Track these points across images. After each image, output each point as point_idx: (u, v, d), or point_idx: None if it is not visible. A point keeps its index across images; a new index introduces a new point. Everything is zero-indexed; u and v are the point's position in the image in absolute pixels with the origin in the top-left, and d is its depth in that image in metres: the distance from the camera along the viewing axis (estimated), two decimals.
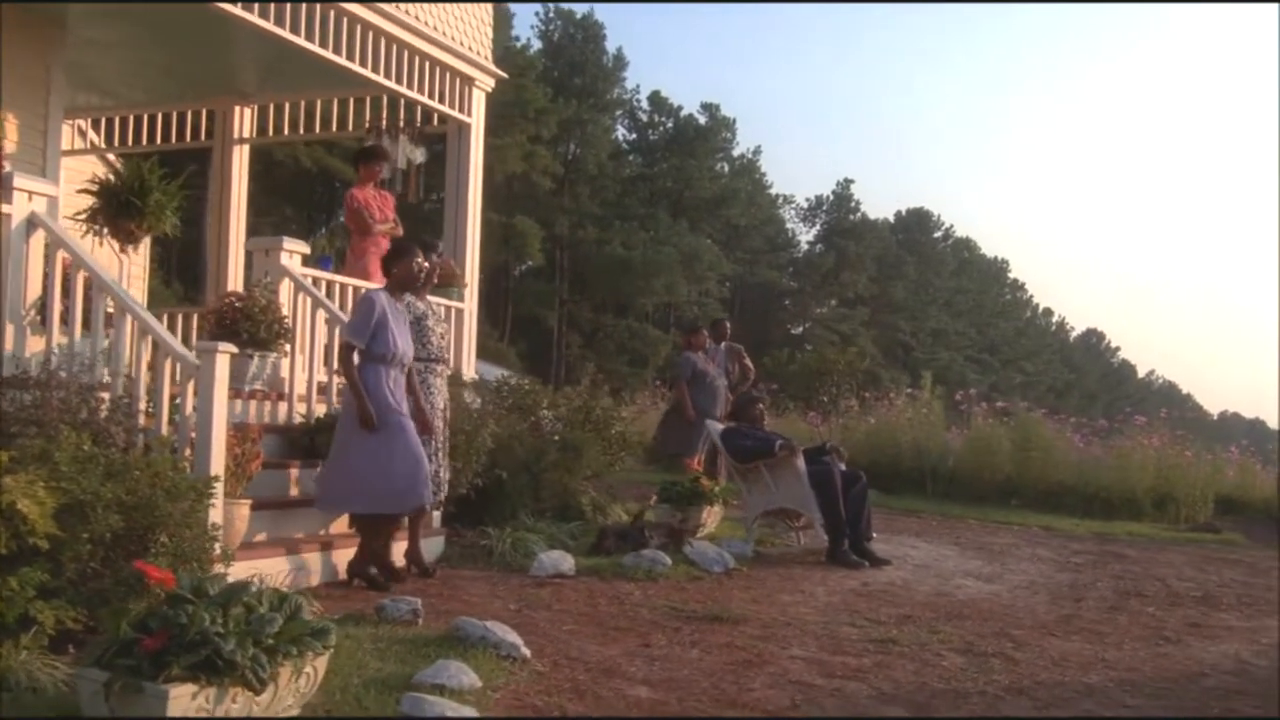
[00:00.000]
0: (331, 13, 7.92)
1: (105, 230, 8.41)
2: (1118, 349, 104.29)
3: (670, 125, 57.00)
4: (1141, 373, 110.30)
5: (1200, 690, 5.16)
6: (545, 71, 49.88)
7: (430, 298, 8.91)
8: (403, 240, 7.92)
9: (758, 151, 61.99)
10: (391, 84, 8.65)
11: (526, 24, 69.45)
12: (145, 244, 16.30)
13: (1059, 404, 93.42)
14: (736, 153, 60.68)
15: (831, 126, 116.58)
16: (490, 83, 9.72)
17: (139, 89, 10.23)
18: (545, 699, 4.33)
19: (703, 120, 57.34)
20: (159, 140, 10.65)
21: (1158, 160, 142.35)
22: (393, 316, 6.18)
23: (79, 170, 10.05)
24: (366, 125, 9.69)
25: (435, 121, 9.73)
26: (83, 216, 8.64)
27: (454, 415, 7.44)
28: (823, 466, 8.10)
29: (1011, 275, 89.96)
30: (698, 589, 6.73)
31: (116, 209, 8.35)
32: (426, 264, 6.65)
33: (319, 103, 10.12)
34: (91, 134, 11.92)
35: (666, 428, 12.13)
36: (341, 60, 8.09)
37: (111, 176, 9.08)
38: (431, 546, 7.08)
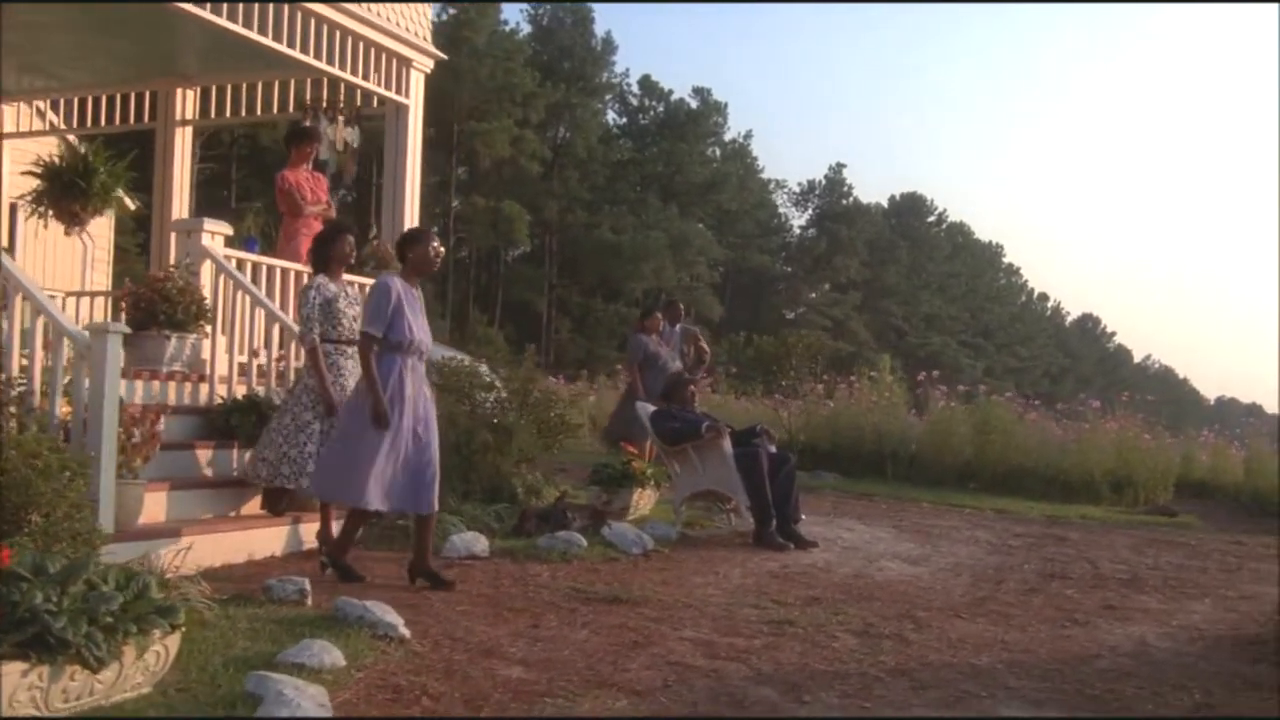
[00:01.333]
0: None
1: (50, 212, 8.43)
2: (1114, 334, 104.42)
3: (661, 109, 56.89)
4: (1138, 357, 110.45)
5: (1091, 671, 5.13)
6: (534, 56, 49.74)
7: (355, 279, 8.93)
8: (419, 226, 7.75)
9: (749, 136, 61.97)
10: (325, 66, 8.60)
11: (516, 8, 69.31)
12: (109, 227, 16.38)
13: (1054, 389, 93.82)
14: (728, 137, 60.60)
15: (825, 111, 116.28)
16: (429, 64, 9.67)
17: (82, 71, 10.17)
18: (410, 678, 4.31)
19: (694, 105, 57.24)
20: (103, 123, 10.59)
21: (1154, 145, 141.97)
22: (408, 303, 5.94)
23: (31, 152, 10.00)
24: (306, 107, 9.61)
25: (375, 103, 9.67)
26: (28, 198, 8.65)
27: None
28: (749, 449, 8.08)
29: (1006, 260, 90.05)
30: (609, 571, 6.72)
31: (60, 191, 8.35)
32: (443, 249, 6.32)
33: (260, 85, 10.06)
34: (51, 115, 11.89)
35: (619, 410, 12.12)
36: (271, 43, 8.04)
37: (57, 159, 9.08)
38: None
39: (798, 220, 70.13)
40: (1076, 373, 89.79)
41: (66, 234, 8.90)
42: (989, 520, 11.03)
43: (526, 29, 51.68)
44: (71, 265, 14.74)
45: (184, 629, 3.96)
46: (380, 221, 9.60)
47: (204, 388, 7.33)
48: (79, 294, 10.35)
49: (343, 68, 8.73)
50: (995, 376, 77.12)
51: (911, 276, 71.09)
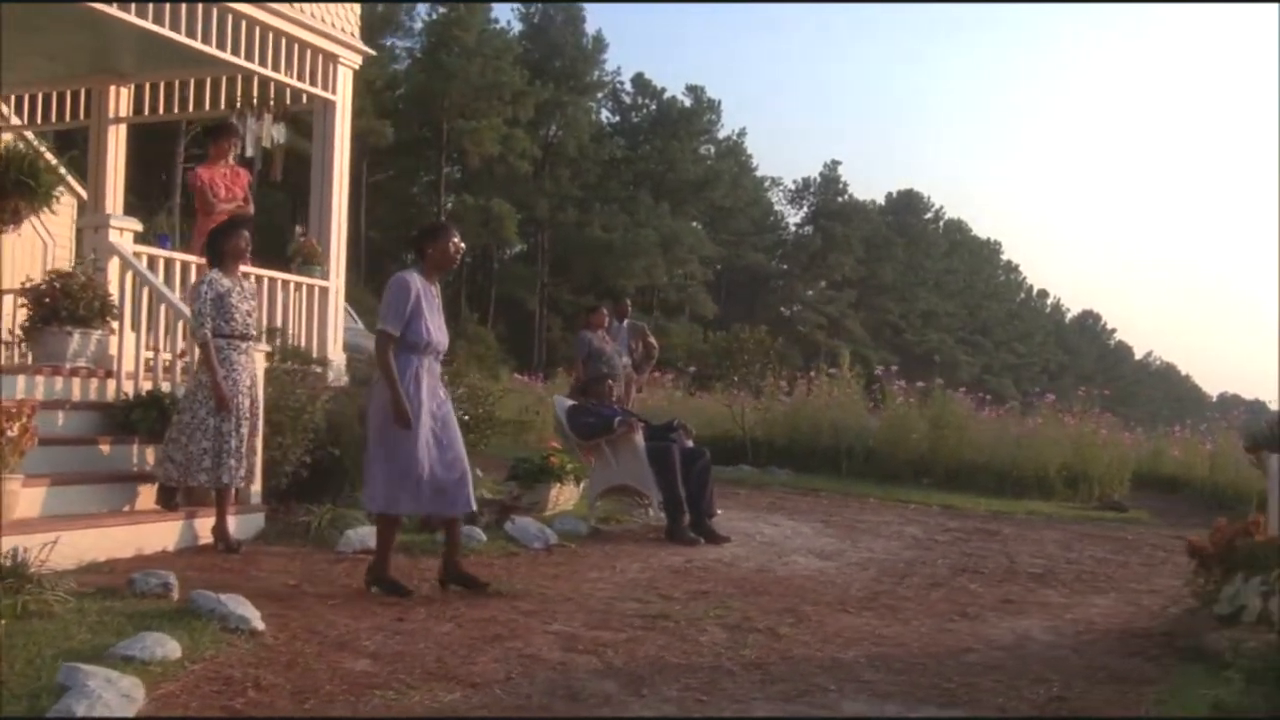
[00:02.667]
0: None
1: None
2: (1114, 330, 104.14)
3: (654, 107, 56.85)
4: (1139, 354, 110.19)
5: (956, 665, 5.09)
6: (525, 54, 49.72)
7: (282, 275, 8.93)
8: (438, 220, 7.49)
9: (743, 134, 61.87)
10: (245, 63, 8.60)
11: (508, 6, 69.40)
12: (70, 225, 16.38)
13: (1053, 385, 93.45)
14: (722, 135, 60.55)
15: (822, 109, 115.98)
16: (357, 60, 9.66)
17: (12, 69, 10.17)
18: (247, 670, 4.31)
19: (687, 103, 57.18)
20: (39, 120, 10.60)
21: (1156, 142, 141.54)
22: (426, 301, 5.72)
23: None
24: (236, 104, 9.61)
25: (305, 100, 9.66)
26: None
27: (281, 394, 7.44)
28: (662, 444, 8.07)
29: (1005, 257, 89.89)
30: (502, 565, 6.71)
31: (10, 187, 8.36)
32: (463, 245, 6.06)
33: (192, 82, 10.06)
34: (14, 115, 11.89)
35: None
36: (186, 39, 8.03)
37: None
38: (250, 523, 7.07)
39: (793, 218, 70.16)
40: (1076, 370, 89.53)
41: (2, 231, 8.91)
42: (930, 515, 11.00)
43: (518, 27, 51.82)
44: (31, 263, 14.75)
45: (3, 620, 3.95)
46: (308, 218, 9.58)
47: (111, 384, 7.33)
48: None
49: (263, 64, 8.72)
50: (994, 373, 77.10)
51: (908, 274, 70.98)
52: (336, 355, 9.41)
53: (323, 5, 9.16)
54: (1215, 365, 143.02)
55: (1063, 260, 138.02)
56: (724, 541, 7.94)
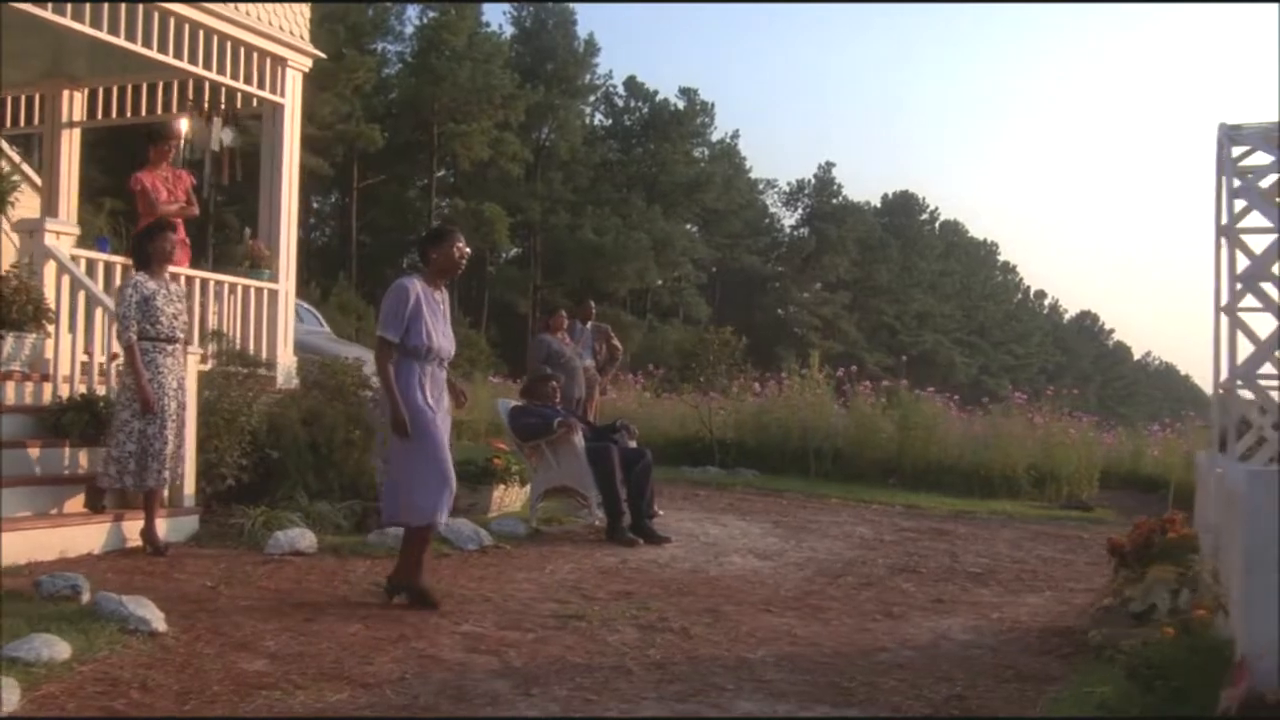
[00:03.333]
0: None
1: None
2: (1112, 331, 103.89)
3: (646, 110, 56.84)
4: (1138, 354, 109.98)
5: (864, 665, 5.08)
6: (516, 58, 49.75)
7: (228, 278, 8.94)
8: (443, 224, 7.23)
9: (736, 136, 61.84)
10: (189, 67, 8.58)
11: (499, 9, 69.51)
12: None
13: (1051, 386, 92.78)
14: (715, 137, 60.55)
15: (818, 111, 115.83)
16: (306, 63, 9.65)
17: None
18: (138, 671, 4.31)
19: (680, 105, 57.17)
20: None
21: (1154, 142, 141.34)
22: (428, 307, 5.57)
23: None
24: (187, 108, 9.61)
25: (255, 103, 9.66)
26: None
27: (219, 396, 7.44)
28: (601, 445, 8.07)
29: (1002, 258, 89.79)
30: (431, 566, 6.68)
31: None
32: (469, 249, 5.92)
33: (145, 86, 10.06)
34: None
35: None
36: (124, 42, 8.01)
37: None
38: (183, 526, 7.08)
39: (788, 220, 70.17)
40: (1074, 370, 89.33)
41: None
42: (888, 515, 10.98)
43: (510, 31, 51.84)
44: None
45: None
46: (257, 221, 9.58)
47: (47, 387, 7.32)
48: None
49: (208, 67, 8.72)
50: (992, 374, 76.99)
51: (903, 275, 70.88)
52: (286, 358, 9.40)
53: (269, 8, 9.16)
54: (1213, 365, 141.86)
55: (1060, 261, 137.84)
56: (664, 542, 7.93)
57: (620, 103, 57.33)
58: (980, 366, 77.26)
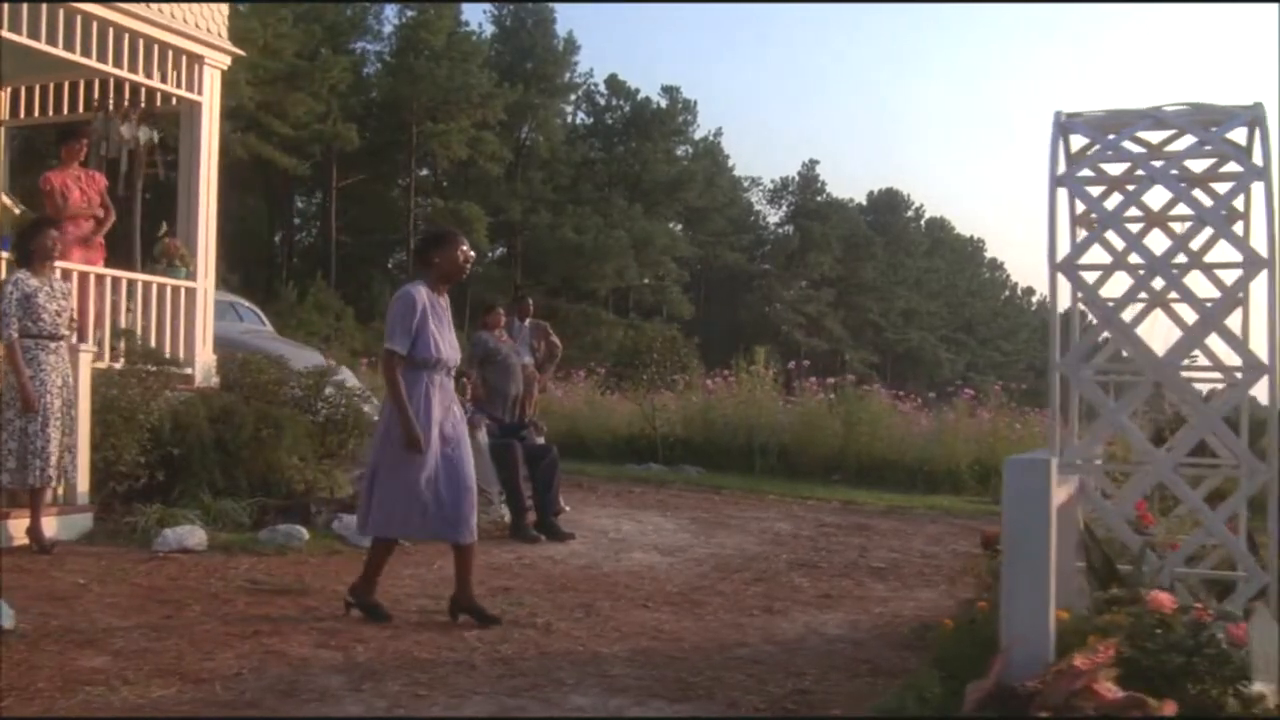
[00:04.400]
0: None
1: None
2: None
3: (628, 109, 56.82)
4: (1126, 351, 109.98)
5: (720, 660, 5.09)
6: (496, 57, 49.72)
7: (143, 277, 8.92)
8: (444, 226, 6.68)
9: (719, 134, 61.84)
10: (98, 65, 8.56)
11: (480, 9, 69.59)
12: None
13: (1039, 383, 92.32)
14: (698, 135, 60.55)
15: (802, 109, 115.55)
16: (225, 60, 9.63)
17: None
18: None
19: (662, 103, 57.17)
20: None
21: None
22: (434, 315, 5.37)
23: None
24: (104, 107, 9.58)
25: (175, 101, 9.63)
26: None
27: (118, 395, 7.43)
28: (504, 441, 8.06)
29: (989, 255, 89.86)
30: (316, 563, 6.70)
31: None
32: (473, 253, 5.67)
33: (66, 85, 10.03)
34: None
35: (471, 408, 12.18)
36: (28, 41, 8.00)
37: None
38: (76, 524, 7.07)
39: (773, 217, 70.20)
40: None
41: None
42: (819, 511, 10.98)
43: (491, 30, 51.81)
44: None
45: None
46: (175, 219, 9.55)
47: None
48: None
49: (118, 65, 8.69)
50: (979, 371, 76.91)
51: (888, 272, 70.84)
52: (205, 356, 9.39)
53: (184, 6, 9.14)
54: (1201, 360, 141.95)
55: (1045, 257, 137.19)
56: (567, 538, 7.93)
57: (602, 101, 57.35)
58: (967, 364, 77.23)
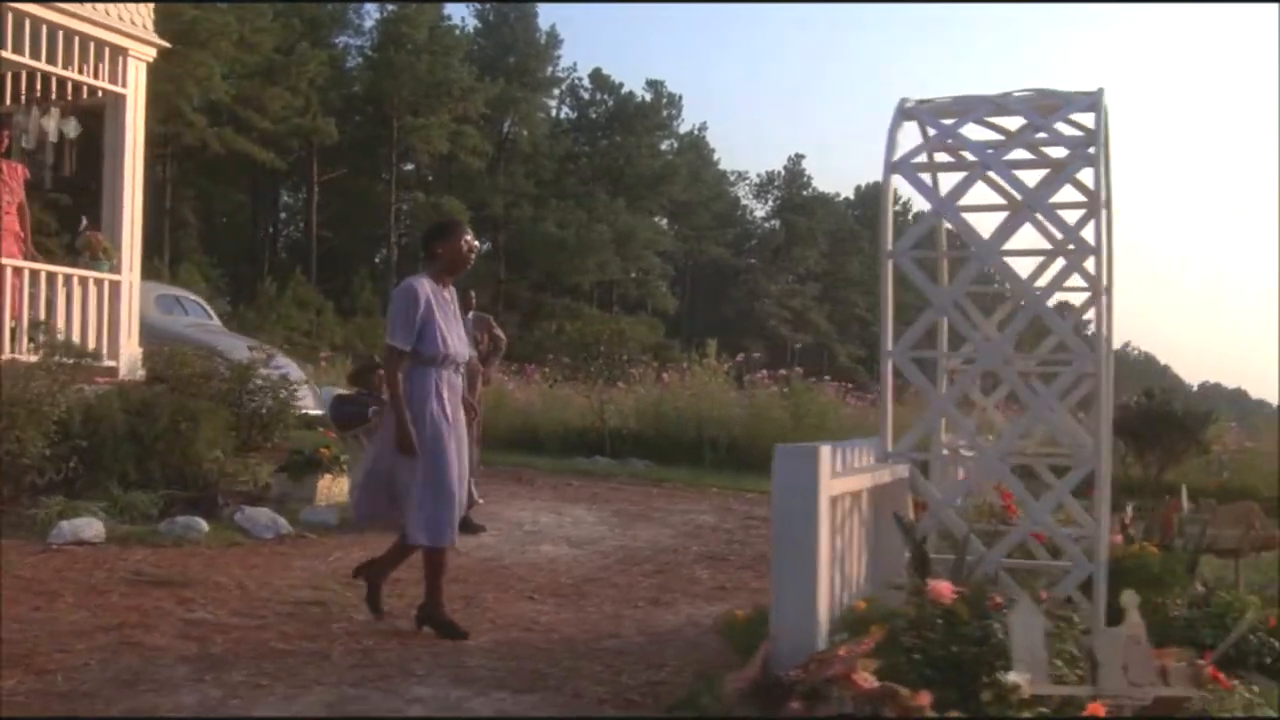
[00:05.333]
0: None
1: None
2: (1089, 321, 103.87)
3: (612, 103, 56.76)
4: (1117, 344, 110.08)
5: (584, 651, 5.08)
6: (480, 51, 49.67)
7: (72, 271, 8.94)
8: (448, 216, 6.02)
9: (704, 128, 61.76)
10: (14, 57, 8.56)
11: (464, 5, 69.46)
12: None
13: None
14: (684, 129, 60.50)
15: (791, 105, 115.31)
16: (150, 52, 9.63)
17: None
18: None
19: (647, 98, 57.09)
20: None
21: (1144, 136, 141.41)
22: (439, 308, 5.10)
23: None
24: (21, 99, 9.56)
25: (100, 94, 9.62)
26: None
27: (23, 389, 7.43)
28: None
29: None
30: (207, 555, 6.68)
31: None
32: (477, 243, 5.46)
33: None
34: None
35: None
36: None
37: None
38: None
39: (759, 212, 70.16)
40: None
41: None
42: (756, 504, 10.94)
43: (474, 24, 51.74)
44: None
45: None
46: (100, 213, 9.54)
47: None
48: None
49: (35, 57, 8.69)
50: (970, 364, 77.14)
51: (875, 267, 70.55)
52: (130, 349, 9.40)
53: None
54: (1195, 355, 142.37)
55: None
56: (479, 530, 7.93)
57: (586, 96, 57.28)
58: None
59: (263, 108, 36.42)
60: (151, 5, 9.68)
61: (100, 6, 9.08)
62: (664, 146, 58.68)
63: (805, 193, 68.47)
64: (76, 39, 8.99)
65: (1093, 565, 4.16)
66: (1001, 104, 4.78)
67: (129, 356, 9.37)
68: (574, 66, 57.17)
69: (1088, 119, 4.77)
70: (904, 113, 4.77)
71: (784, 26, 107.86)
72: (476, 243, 5.45)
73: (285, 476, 8.39)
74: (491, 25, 51.67)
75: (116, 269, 9.29)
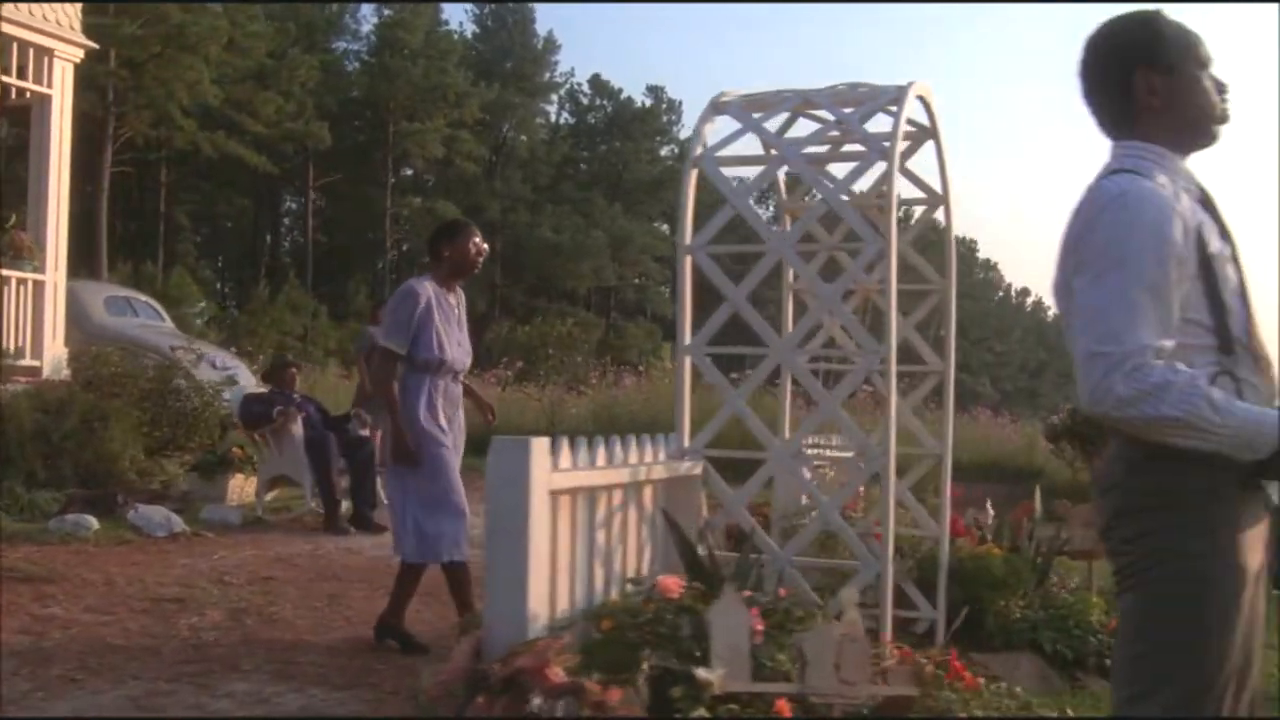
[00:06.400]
0: None
1: None
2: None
3: (610, 108, 56.75)
4: None
5: (438, 651, 5.08)
6: (478, 56, 49.74)
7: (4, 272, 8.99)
8: (456, 217, 5.57)
9: None
10: None
11: (461, 9, 69.83)
12: None
13: (1033, 383, 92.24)
14: (684, 135, 60.37)
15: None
16: (78, 54, 9.68)
17: None
18: None
19: (647, 103, 57.07)
20: None
21: None
22: (440, 312, 4.85)
23: None
24: None
25: (28, 95, 9.67)
26: None
27: None
28: (319, 434, 8.08)
29: (982, 256, 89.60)
30: (89, 553, 6.69)
31: None
32: (485, 245, 5.18)
33: None
34: None
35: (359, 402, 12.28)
36: None
37: None
38: None
39: (763, 217, 69.93)
40: (1057, 367, 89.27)
41: None
42: None
43: (472, 29, 51.82)
44: None
45: None
46: (27, 211, 9.60)
47: None
48: None
49: None
50: (971, 372, 76.73)
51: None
52: (55, 349, 9.44)
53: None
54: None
55: (1046, 260, 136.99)
56: (381, 531, 7.92)
57: (585, 101, 57.26)
58: (959, 364, 76.90)
59: (255, 112, 36.52)
60: (79, 6, 9.72)
61: (24, 7, 9.12)
62: (664, 152, 58.60)
63: (806, 198, 68.30)
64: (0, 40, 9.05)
65: (878, 565, 4.14)
66: (810, 97, 4.79)
67: (53, 356, 9.41)
68: (572, 71, 57.27)
69: (922, 114, 4.76)
70: (715, 107, 4.77)
71: (786, 31, 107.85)
72: (485, 245, 5.17)
73: (197, 476, 8.41)
74: (489, 30, 51.72)
75: (41, 269, 9.33)
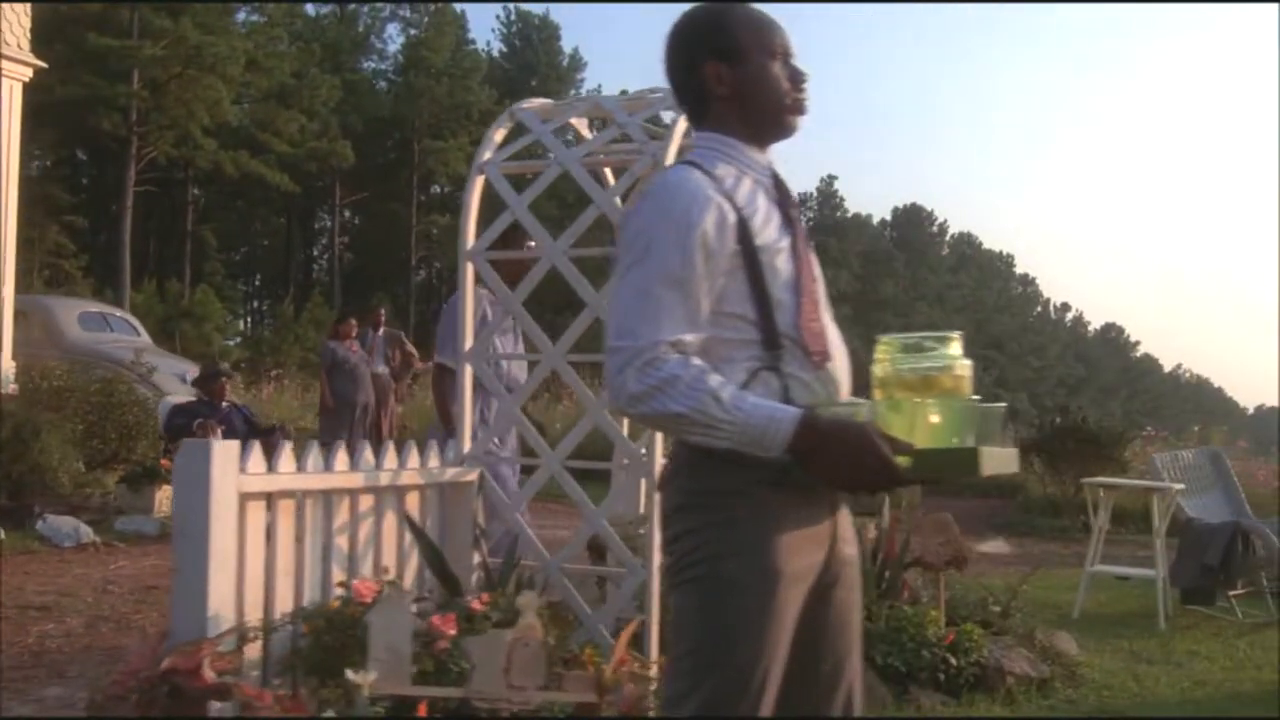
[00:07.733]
0: None
1: None
2: (1138, 343, 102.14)
3: None
4: (1168, 367, 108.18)
5: None
6: (503, 74, 50.09)
7: None
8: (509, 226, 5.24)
9: None
10: None
11: (486, 27, 70.39)
12: None
13: (1070, 399, 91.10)
14: None
15: (824, 124, 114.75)
16: (26, 72, 9.85)
17: None
18: None
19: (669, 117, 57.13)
20: None
21: (1176, 150, 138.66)
22: (495, 323, 4.76)
23: None
24: None
25: None
26: None
27: None
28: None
29: (1020, 270, 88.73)
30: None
31: None
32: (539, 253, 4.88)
33: None
34: None
35: (321, 416, 12.38)
36: None
37: None
38: None
39: None
40: (1097, 382, 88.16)
41: None
42: None
43: (499, 47, 52.19)
44: None
45: None
46: None
47: None
48: None
49: None
50: (1010, 388, 75.94)
51: (910, 288, 70.16)
52: (3, 363, 9.59)
53: None
54: (1250, 378, 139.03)
55: (1087, 274, 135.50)
56: None
57: None
58: (996, 379, 76.23)
59: (279, 131, 37.02)
60: (28, 25, 9.89)
61: None
62: None
63: (838, 214, 68.16)
64: None
65: (645, 571, 4.07)
66: (599, 103, 4.79)
67: (1, 370, 9.55)
68: (599, 88, 57.49)
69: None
70: (510, 115, 4.78)
71: (819, 46, 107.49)
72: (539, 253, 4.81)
73: (125, 487, 8.49)
74: (515, 48, 52.10)
75: None
